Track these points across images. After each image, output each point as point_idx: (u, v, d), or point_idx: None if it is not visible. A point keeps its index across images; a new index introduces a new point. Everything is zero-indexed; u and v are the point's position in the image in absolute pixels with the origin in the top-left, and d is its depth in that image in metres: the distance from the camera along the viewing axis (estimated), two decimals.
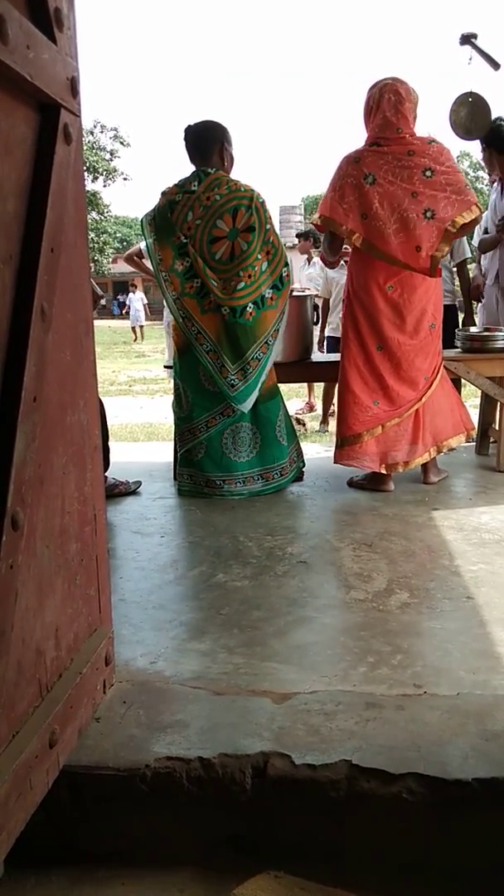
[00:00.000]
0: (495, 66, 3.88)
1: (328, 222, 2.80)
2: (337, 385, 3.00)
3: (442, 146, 2.77)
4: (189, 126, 2.93)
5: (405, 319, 2.83)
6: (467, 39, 3.85)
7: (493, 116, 3.58)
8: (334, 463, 3.02)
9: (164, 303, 5.00)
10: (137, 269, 4.89)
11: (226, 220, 2.78)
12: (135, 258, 4.73)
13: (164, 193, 2.90)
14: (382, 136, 2.73)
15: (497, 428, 3.50)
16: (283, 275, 2.91)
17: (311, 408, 6.95)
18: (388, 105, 2.71)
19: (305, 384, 7.00)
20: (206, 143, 2.88)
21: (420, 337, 2.87)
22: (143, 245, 4.63)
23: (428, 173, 2.69)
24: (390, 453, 2.94)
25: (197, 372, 2.92)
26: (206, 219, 2.79)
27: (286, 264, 2.93)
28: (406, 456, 2.95)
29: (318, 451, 3.96)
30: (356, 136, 2.94)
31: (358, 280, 2.86)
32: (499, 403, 3.39)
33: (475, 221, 2.81)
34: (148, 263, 4.68)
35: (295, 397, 7.62)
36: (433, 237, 2.70)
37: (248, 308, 2.83)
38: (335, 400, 5.54)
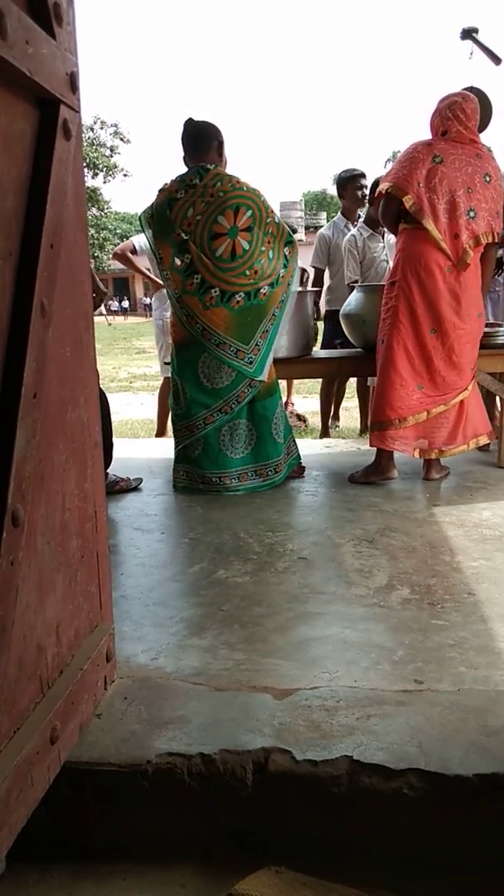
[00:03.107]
0: (496, 60, 3.88)
1: (395, 189, 2.81)
2: (379, 367, 2.97)
3: (498, 165, 2.89)
4: (190, 119, 2.92)
5: (461, 303, 2.84)
6: (468, 34, 3.86)
7: (494, 111, 3.59)
8: (371, 445, 3.01)
9: (153, 303, 4.93)
10: (128, 266, 4.71)
11: (227, 216, 2.76)
12: (127, 254, 4.57)
13: (161, 190, 2.88)
14: (456, 139, 2.83)
15: (497, 424, 3.50)
16: (286, 253, 2.93)
17: (288, 408, 6.83)
18: (456, 124, 2.81)
19: (285, 383, 6.78)
20: (207, 139, 2.87)
21: (471, 323, 2.88)
22: (135, 241, 4.53)
23: (487, 178, 2.80)
24: (427, 440, 2.95)
25: (195, 368, 2.91)
26: (208, 214, 2.77)
27: (289, 241, 2.94)
28: (442, 444, 2.96)
29: (319, 447, 3.96)
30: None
31: (416, 261, 2.83)
32: (498, 399, 3.39)
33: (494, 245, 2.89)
34: (139, 261, 4.62)
35: (295, 393, 7.60)
36: (467, 235, 2.79)
37: (262, 289, 2.86)
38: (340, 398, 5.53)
